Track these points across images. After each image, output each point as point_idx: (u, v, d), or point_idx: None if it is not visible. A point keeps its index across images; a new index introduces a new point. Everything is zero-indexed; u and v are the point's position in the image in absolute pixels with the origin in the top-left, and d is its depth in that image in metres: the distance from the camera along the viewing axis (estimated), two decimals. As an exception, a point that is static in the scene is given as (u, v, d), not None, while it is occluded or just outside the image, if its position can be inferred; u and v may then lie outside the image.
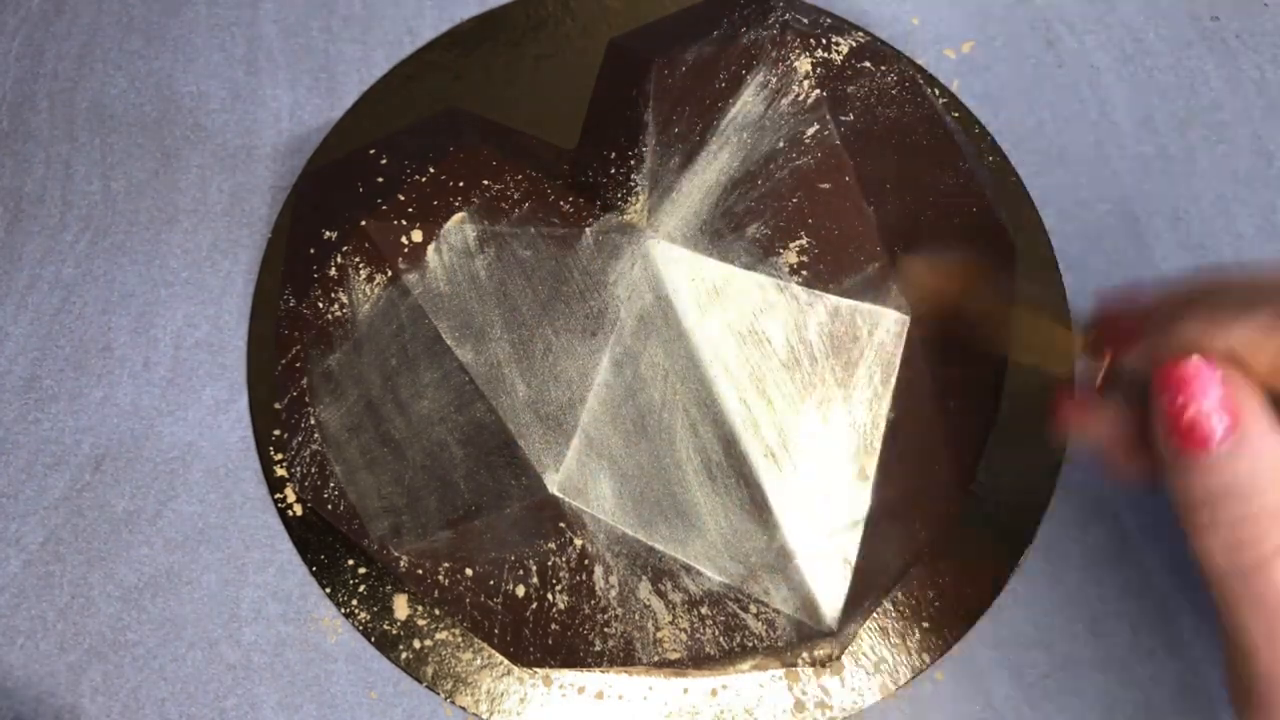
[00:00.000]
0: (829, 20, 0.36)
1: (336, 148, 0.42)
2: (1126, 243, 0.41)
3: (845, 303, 0.31)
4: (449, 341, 0.32)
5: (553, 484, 0.31)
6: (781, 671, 0.35)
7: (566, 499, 0.31)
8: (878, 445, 0.32)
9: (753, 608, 0.32)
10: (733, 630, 0.32)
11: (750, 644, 0.32)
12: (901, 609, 0.36)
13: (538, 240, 0.32)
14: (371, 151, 0.36)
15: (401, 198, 0.33)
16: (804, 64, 0.33)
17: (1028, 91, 0.44)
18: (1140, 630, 0.36)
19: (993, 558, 0.37)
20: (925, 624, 0.36)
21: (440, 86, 0.43)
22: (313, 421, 0.34)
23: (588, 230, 0.32)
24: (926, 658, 0.36)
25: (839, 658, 0.34)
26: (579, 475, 0.31)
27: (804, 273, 0.31)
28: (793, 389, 0.31)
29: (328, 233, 0.34)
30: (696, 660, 0.32)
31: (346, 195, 0.35)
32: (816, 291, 0.31)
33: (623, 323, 0.32)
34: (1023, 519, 0.37)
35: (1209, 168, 0.43)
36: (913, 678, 0.35)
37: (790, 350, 0.31)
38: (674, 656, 0.32)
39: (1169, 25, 0.45)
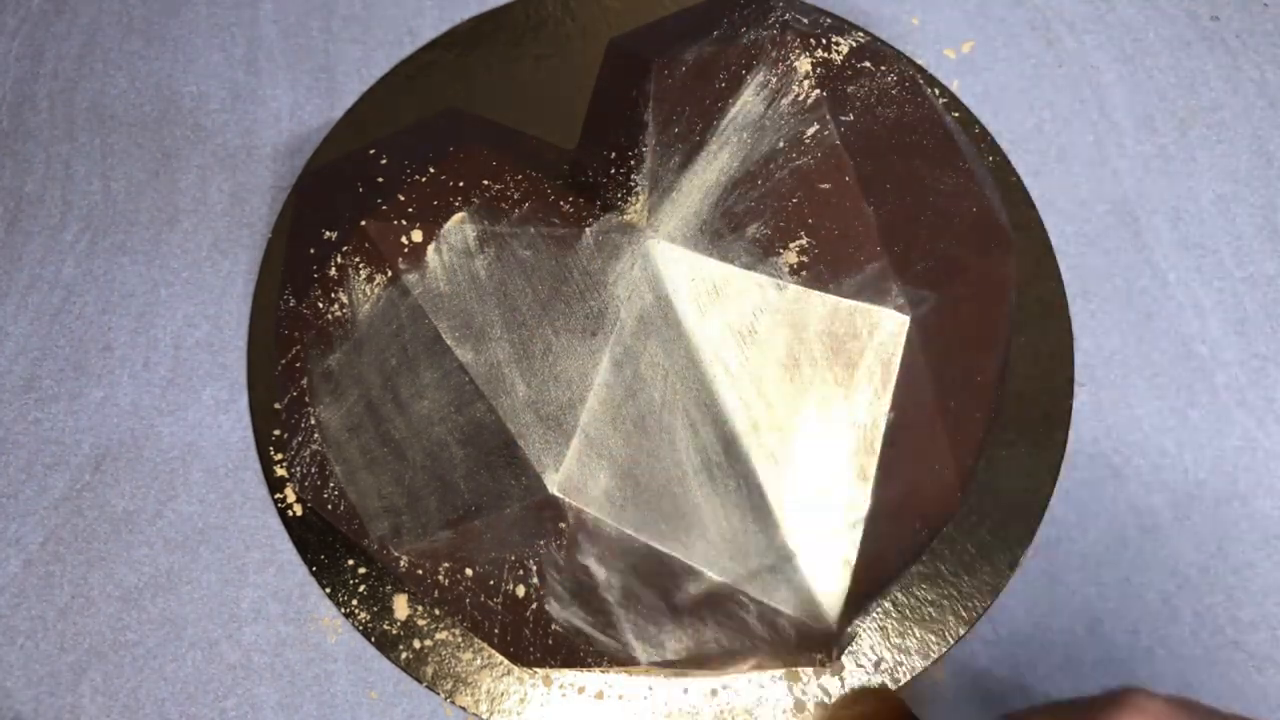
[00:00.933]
0: (829, 20, 0.36)
1: (336, 148, 0.42)
2: (1126, 243, 0.41)
3: (845, 303, 0.31)
4: (449, 341, 0.32)
5: (553, 484, 0.31)
6: (781, 672, 0.35)
7: (567, 499, 0.31)
8: (878, 445, 0.32)
9: (753, 608, 0.32)
10: (733, 630, 0.32)
11: (750, 644, 0.32)
12: (902, 609, 0.36)
13: (538, 240, 0.32)
14: (371, 151, 0.36)
15: (401, 198, 0.33)
16: (804, 64, 0.33)
17: (1028, 91, 0.44)
18: (1140, 630, 0.36)
19: (993, 557, 0.37)
20: (925, 624, 0.36)
21: (440, 86, 0.43)
22: (313, 421, 0.34)
23: (588, 230, 0.32)
24: (926, 659, 0.36)
25: (839, 658, 0.34)
26: (579, 475, 0.31)
27: (804, 273, 0.31)
28: (792, 389, 0.31)
29: (328, 233, 0.34)
30: (696, 660, 0.32)
31: (346, 195, 0.35)
32: (817, 291, 0.31)
33: (623, 323, 0.32)
34: (1023, 519, 0.37)
35: (1209, 167, 0.43)
36: (913, 678, 0.35)
37: (789, 350, 0.31)
38: (674, 656, 0.32)
39: (1169, 25, 0.45)
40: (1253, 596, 0.37)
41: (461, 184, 0.33)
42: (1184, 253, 0.41)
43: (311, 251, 0.34)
